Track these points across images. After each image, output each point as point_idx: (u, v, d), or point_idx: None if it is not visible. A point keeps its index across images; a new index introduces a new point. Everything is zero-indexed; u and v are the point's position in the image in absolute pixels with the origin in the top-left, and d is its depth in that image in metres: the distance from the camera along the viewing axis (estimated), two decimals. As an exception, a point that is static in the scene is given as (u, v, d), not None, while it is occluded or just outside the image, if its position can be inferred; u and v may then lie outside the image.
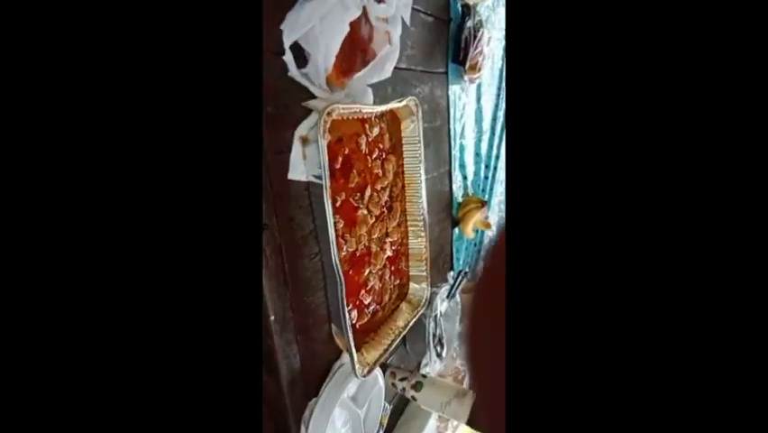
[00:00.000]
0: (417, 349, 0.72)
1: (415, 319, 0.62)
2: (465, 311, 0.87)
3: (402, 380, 0.65)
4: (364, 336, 0.54)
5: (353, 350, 0.48)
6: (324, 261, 0.48)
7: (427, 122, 0.70)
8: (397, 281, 0.61)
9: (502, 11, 0.97)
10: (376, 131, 0.50)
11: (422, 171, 0.58)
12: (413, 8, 0.60)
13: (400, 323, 0.60)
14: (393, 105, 0.49)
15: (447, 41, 0.73)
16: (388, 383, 0.65)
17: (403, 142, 0.56)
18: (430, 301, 0.68)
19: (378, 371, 0.61)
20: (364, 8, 0.43)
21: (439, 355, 0.75)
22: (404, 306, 0.64)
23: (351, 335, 0.47)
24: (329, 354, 0.53)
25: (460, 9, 0.73)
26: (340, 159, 0.44)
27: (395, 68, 0.57)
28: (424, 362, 0.72)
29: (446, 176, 0.81)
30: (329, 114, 0.39)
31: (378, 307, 0.57)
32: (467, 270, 0.82)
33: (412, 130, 0.56)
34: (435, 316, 0.72)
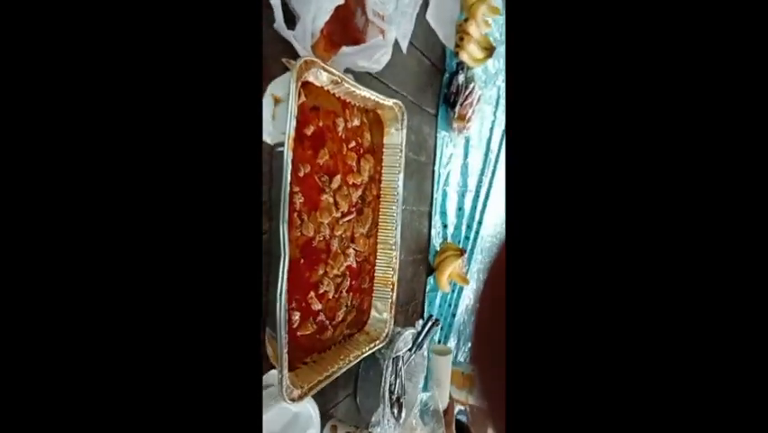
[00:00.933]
0: (369, 404, 0.59)
1: (370, 351, 0.52)
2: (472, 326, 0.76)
3: (345, 434, 0.51)
4: (304, 353, 0.44)
5: (285, 361, 0.38)
6: (273, 241, 0.41)
7: (413, 152, 0.69)
8: (356, 303, 0.53)
9: (494, 91, 1.06)
10: (356, 121, 0.48)
11: (400, 185, 0.55)
12: (411, 43, 0.64)
13: (352, 352, 0.50)
14: (377, 97, 0.48)
15: (440, 88, 0.77)
16: (327, 440, 0.52)
17: (384, 148, 0.54)
18: (391, 340, 0.58)
19: (314, 412, 0.48)
20: (362, 0, 0.44)
21: (396, 418, 0.62)
22: (360, 337, 0.54)
23: (285, 338, 0.38)
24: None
25: (455, 65, 0.79)
26: (312, 128, 0.41)
27: (386, 85, 0.58)
28: (374, 420, 0.58)
29: (426, 217, 0.78)
30: (307, 65, 0.37)
31: (328, 322, 0.47)
32: (438, 318, 0.73)
33: (395, 138, 0.54)
34: (396, 361, 0.61)
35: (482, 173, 1.05)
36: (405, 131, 0.54)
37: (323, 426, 0.50)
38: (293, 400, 0.39)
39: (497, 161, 1.13)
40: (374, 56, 0.45)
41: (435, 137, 0.77)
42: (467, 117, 0.81)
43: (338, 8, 0.40)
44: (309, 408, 0.46)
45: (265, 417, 0.40)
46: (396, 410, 0.63)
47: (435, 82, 0.76)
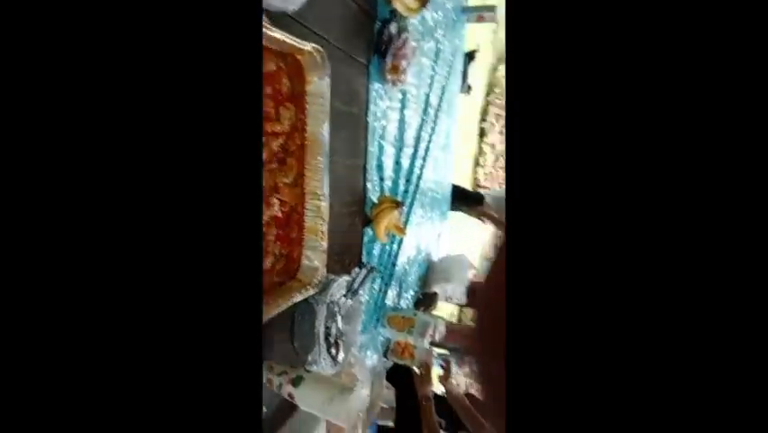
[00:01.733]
0: (305, 344, 0.63)
1: (302, 297, 0.54)
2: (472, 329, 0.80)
3: (280, 374, 0.55)
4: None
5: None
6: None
7: (343, 103, 0.69)
8: (285, 252, 0.54)
9: (432, 44, 1.05)
10: (271, 66, 0.47)
11: (326, 135, 0.55)
12: (335, -16, 0.61)
13: (282, 299, 0.52)
14: (292, 40, 0.47)
15: (371, 36, 0.76)
16: (264, 380, 0.55)
17: (307, 97, 0.53)
18: (325, 287, 0.61)
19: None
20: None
21: (334, 358, 0.66)
22: (292, 284, 0.56)
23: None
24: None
25: (387, 13, 0.77)
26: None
27: (308, 28, 0.56)
28: (310, 359, 0.62)
29: (360, 171, 0.79)
30: None
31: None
32: (375, 266, 0.77)
33: (318, 87, 0.53)
34: (332, 309, 0.64)
35: (421, 128, 1.06)
36: (328, 80, 0.53)
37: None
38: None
39: (437, 117, 1.15)
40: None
41: (368, 88, 0.77)
42: (400, 69, 0.80)
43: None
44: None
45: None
46: (334, 351, 0.68)
47: (367, 30, 0.74)
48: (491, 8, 1.33)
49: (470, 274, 1.30)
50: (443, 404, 1.06)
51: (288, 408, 0.62)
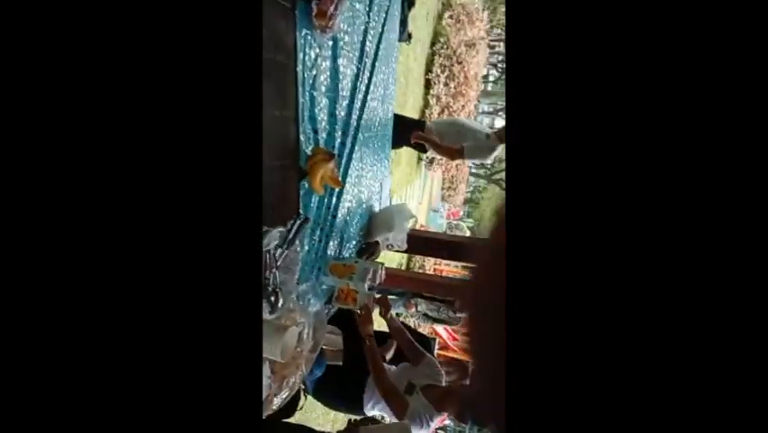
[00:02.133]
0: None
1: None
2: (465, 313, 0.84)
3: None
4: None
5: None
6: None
7: (266, 51, 0.66)
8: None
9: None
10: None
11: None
12: None
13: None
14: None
15: (294, -22, 0.71)
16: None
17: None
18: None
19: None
20: None
21: (272, 305, 0.69)
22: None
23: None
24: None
25: (310, -49, 0.72)
26: None
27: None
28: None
29: (291, 122, 0.78)
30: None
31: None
32: (308, 216, 0.79)
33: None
34: (265, 256, 0.66)
35: (357, 78, 1.05)
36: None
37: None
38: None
39: (373, 66, 1.13)
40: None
41: (295, 36, 0.74)
42: (328, 14, 0.78)
43: None
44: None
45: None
46: (273, 299, 0.71)
47: (289, -30, 0.70)
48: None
49: (411, 223, 1.37)
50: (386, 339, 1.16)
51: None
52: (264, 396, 0.73)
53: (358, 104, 1.07)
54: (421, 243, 1.58)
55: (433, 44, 3.25)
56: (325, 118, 0.91)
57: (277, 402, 0.77)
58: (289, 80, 0.75)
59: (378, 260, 1.19)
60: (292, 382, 0.78)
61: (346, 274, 1.00)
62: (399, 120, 1.46)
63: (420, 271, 3.77)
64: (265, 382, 0.71)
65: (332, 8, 0.78)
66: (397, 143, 1.43)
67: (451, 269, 4.01)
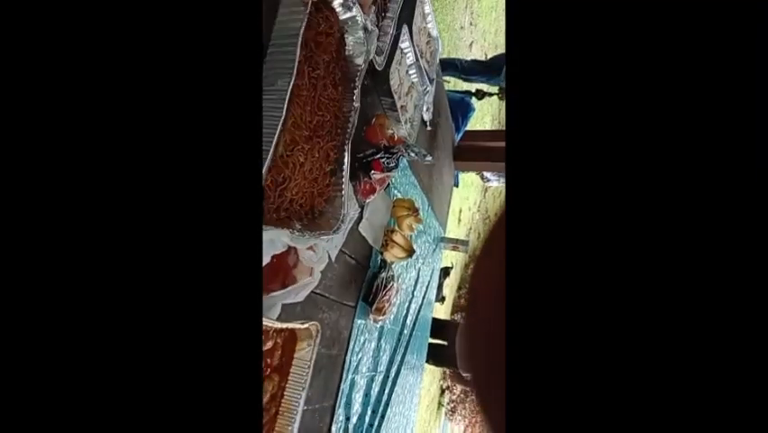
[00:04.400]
0: None
1: None
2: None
3: None
4: None
5: None
6: None
7: (325, 347, 0.71)
8: None
9: (414, 273, 1.18)
10: (269, 344, 0.50)
11: (301, 404, 0.54)
12: (341, 250, 0.72)
13: None
14: (295, 325, 0.52)
15: (362, 282, 0.85)
16: None
17: (293, 364, 0.55)
18: None
19: None
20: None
21: None
22: None
23: None
24: None
25: (379, 261, 0.89)
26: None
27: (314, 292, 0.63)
28: None
29: (328, 412, 0.75)
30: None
31: None
32: None
33: (306, 354, 0.56)
34: None
35: (395, 351, 1.08)
36: (317, 348, 0.56)
37: None
38: None
39: (410, 336, 1.18)
40: (300, 293, 0.50)
41: (351, 328, 0.81)
42: (383, 310, 0.87)
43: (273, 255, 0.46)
44: None
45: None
46: None
47: (359, 278, 0.84)
48: (465, 242, 1.56)
49: None
50: None
51: None
52: None
53: (391, 376, 1.05)
54: None
55: (459, 288, 3.54)
56: (360, 400, 0.88)
57: None
58: (336, 370, 0.77)
59: None
60: None
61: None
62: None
63: None
64: None
65: (387, 305, 0.88)
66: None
67: None
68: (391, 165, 0.71)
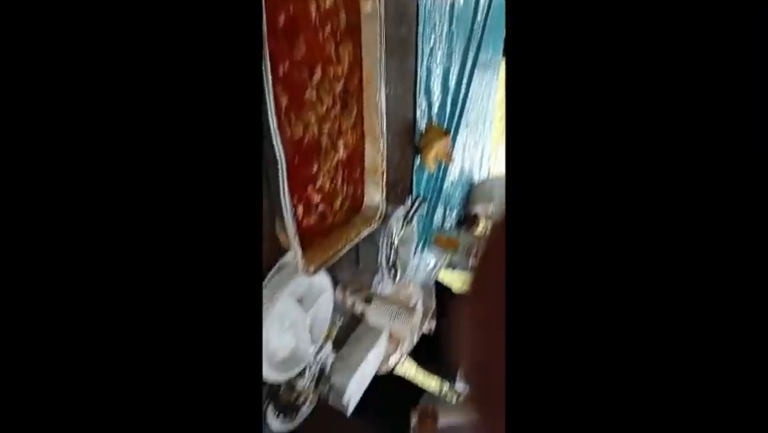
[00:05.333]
0: (370, 267, 0.70)
1: (368, 232, 0.60)
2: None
3: (354, 292, 0.63)
4: (311, 238, 0.51)
5: (297, 246, 0.45)
6: (267, 144, 0.43)
7: (393, 25, 0.64)
8: (351, 191, 0.58)
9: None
10: (329, 2, 0.44)
11: (382, 66, 0.53)
12: None
13: (352, 233, 0.57)
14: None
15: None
16: (338, 299, 0.63)
17: (362, 24, 0.50)
18: (385, 219, 0.65)
19: (327, 279, 0.58)
20: None
21: (393, 278, 0.74)
22: (357, 219, 0.61)
23: (293, 223, 0.43)
24: (271, 253, 0.50)
25: None
26: (282, 16, 0.39)
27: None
28: (375, 280, 0.71)
29: (410, 96, 0.77)
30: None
31: (327, 210, 0.53)
32: (424, 197, 0.80)
33: (372, 8, 0.50)
34: (391, 237, 0.70)
35: (469, 42, 0.98)
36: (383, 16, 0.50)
37: (334, 288, 0.61)
38: (309, 273, 0.47)
39: (483, 29, 1.04)
40: None
41: (417, 3, 0.70)
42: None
43: None
44: (322, 276, 0.56)
45: (289, 288, 0.49)
46: (393, 272, 0.75)
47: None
48: None
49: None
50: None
51: (354, 322, 0.72)
52: (382, 357, 0.80)
53: (467, 71, 1.01)
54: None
55: None
56: (439, 89, 0.88)
57: (392, 362, 0.84)
58: (410, 55, 0.73)
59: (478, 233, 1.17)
60: (406, 345, 0.85)
61: (450, 248, 1.01)
62: None
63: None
64: (383, 344, 0.78)
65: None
66: None
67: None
68: None
